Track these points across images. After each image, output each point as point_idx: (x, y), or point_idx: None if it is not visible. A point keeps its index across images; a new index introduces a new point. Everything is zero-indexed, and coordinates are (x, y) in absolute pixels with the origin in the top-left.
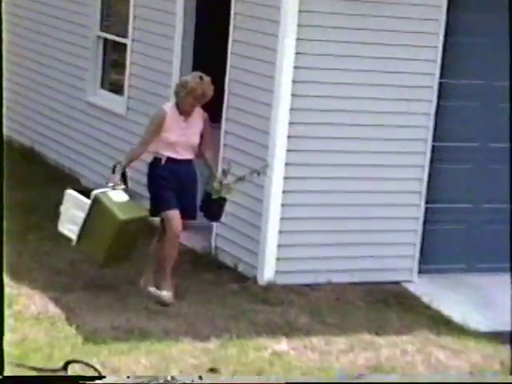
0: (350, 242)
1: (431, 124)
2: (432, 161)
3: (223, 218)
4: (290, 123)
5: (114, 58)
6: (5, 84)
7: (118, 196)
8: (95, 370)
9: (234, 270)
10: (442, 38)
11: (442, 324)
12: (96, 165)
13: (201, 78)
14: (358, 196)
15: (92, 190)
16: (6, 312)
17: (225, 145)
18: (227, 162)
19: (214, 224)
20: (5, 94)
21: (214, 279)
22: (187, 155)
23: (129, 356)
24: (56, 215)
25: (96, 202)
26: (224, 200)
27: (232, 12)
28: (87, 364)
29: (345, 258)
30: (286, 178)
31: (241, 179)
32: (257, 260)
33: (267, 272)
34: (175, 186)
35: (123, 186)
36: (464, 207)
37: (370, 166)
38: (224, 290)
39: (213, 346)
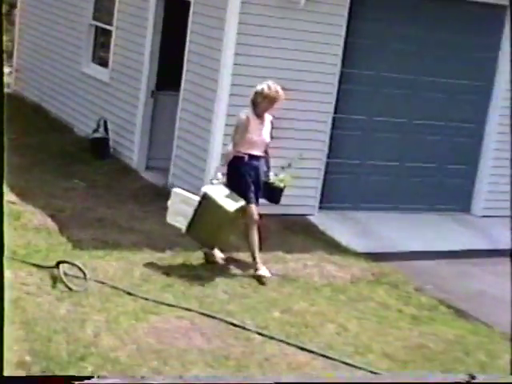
0: None
1: (333, 101)
2: (333, 128)
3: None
4: (230, 94)
5: (102, 41)
6: (23, 56)
7: (221, 191)
8: (79, 268)
9: None
10: (343, 38)
11: (333, 246)
12: (86, 119)
13: (269, 86)
14: (280, 151)
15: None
16: (16, 223)
17: (182, 109)
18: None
19: (171, 166)
20: (23, 63)
21: None
22: (262, 152)
23: (104, 260)
24: (55, 154)
25: (206, 197)
26: (284, 188)
27: (190, 19)
28: (73, 264)
29: None
30: (224, 144)
31: (287, 167)
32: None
33: None
34: (254, 178)
35: (223, 182)
36: (354, 163)
37: (287, 130)
38: None
39: (166, 255)
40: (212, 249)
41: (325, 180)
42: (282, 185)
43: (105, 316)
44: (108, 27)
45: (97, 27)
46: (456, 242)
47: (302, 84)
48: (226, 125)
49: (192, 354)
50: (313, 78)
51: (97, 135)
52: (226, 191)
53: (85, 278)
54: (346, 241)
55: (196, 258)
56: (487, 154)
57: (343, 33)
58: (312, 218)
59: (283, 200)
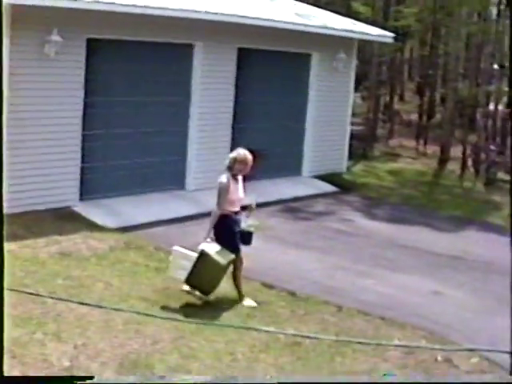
0: (46, 187)
1: (80, 122)
2: (83, 141)
3: None
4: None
5: None
6: None
7: (213, 247)
8: None
9: None
10: (83, 76)
11: (93, 226)
12: None
13: (241, 153)
14: (51, 155)
15: None
16: None
17: None
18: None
19: None
20: None
21: None
22: (239, 207)
23: None
24: None
25: (203, 254)
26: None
27: None
28: None
29: (43, 196)
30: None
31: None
32: None
33: None
34: (238, 229)
35: (213, 239)
36: (101, 165)
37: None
38: None
39: None
40: (208, 295)
41: (82, 179)
42: (252, 229)
43: None
44: None
45: None
46: (177, 211)
47: (59, 112)
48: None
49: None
50: (65, 106)
51: None
52: (218, 247)
53: None
54: (102, 221)
55: None
56: (192, 146)
57: (83, 72)
58: (75, 208)
59: (56, 198)
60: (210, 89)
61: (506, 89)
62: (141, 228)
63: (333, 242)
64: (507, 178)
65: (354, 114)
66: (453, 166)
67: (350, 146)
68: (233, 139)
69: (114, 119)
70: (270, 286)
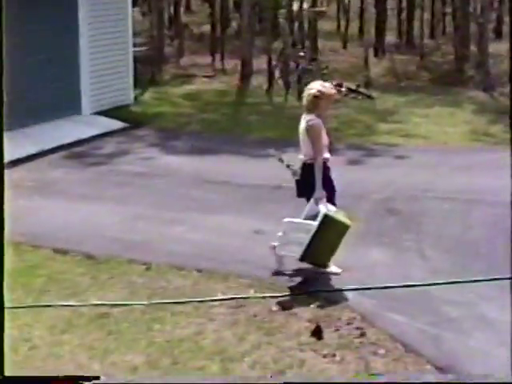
0: None
1: None
2: None
3: None
4: None
5: None
6: None
7: (331, 208)
8: None
9: None
10: None
11: None
12: None
13: (325, 86)
14: None
15: None
16: None
17: None
18: None
19: None
20: None
21: None
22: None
23: None
24: None
25: (327, 218)
26: None
27: None
28: None
29: None
30: None
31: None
32: None
33: None
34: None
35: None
36: None
37: None
38: None
39: None
40: (326, 267)
41: None
42: None
43: None
44: None
45: None
46: None
47: None
48: None
49: None
50: None
51: None
52: (334, 208)
53: None
54: None
55: None
56: None
57: None
58: None
59: None
60: None
61: None
62: None
63: (130, 188)
64: None
65: (135, 34)
66: (258, 81)
67: (135, 71)
68: None
69: None
70: (63, 252)
